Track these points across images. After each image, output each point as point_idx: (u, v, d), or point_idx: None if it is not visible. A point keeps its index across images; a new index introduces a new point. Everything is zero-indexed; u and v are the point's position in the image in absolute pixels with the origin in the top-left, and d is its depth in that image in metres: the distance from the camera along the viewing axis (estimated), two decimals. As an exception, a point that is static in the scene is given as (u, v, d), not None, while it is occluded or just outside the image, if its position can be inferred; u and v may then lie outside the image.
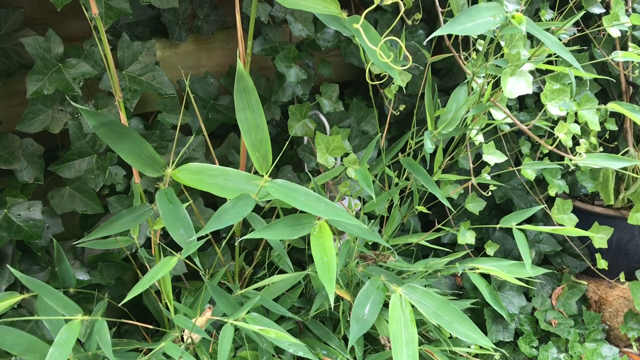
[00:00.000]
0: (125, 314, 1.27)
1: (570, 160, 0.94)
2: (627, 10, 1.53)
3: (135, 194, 1.05)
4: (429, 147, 0.93)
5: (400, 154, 1.16)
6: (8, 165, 1.11)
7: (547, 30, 1.10)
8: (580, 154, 0.91)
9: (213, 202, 1.34)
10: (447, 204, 1.05)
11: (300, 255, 1.48)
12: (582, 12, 1.16)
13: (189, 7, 1.28)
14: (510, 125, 1.26)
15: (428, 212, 1.26)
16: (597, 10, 1.49)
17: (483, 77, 1.05)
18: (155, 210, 0.90)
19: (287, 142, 1.46)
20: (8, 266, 0.89)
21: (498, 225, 1.13)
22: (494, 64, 0.90)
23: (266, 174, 0.81)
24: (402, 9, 0.77)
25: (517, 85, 0.92)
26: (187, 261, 0.99)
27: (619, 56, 0.95)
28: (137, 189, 1.03)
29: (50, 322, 0.93)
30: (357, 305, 0.96)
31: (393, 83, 1.17)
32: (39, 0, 1.15)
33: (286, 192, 0.79)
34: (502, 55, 0.97)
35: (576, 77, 1.42)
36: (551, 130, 1.04)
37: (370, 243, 1.30)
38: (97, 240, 1.06)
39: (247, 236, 0.78)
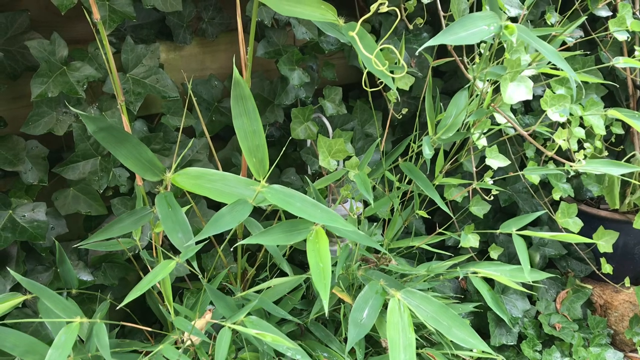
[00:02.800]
0: (129, 314, 1.28)
1: (571, 166, 0.94)
2: (634, 13, 1.52)
3: (137, 196, 1.06)
4: (427, 153, 0.93)
5: (402, 158, 1.17)
6: (13, 167, 1.12)
7: (548, 35, 1.10)
8: (579, 160, 0.91)
9: (216, 204, 1.34)
10: (446, 209, 1.05)
11: (303, 257, 1.48)
12: (586, 16, 1.15)
13: (193, 10, 1.28)
14: (515, 128, 1.26)
15: (429, 217, 1.26)
16: (604, 13, 1.48)
17: (487, 81, 1.05)
18: (155, 213, 0.91)
19: (289, 145, 1.47)
20: (8, 268, 0.90)
21: (498, 231, 1.13)
22: (494, 70, 0.90)
23: (263, 179, 0.82)
24: (400, 15, 0.77)
25: (517, 91, 0.92)
26: (186, 265, 1.00)
27: (620, 62, 0.95)
28: (139, 191, 1.04)
29: (52, 323, 0.95)
30: (356, 310, 0.96)
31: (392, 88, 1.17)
32: (44, 3, 1.16)
33: (282, 198, 0.79)
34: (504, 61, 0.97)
35: (582, 81, 1.41)
36: (552, 136, 1.04)
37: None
38: (100, 242, 1.07)
39: (244, 241, 0.79)
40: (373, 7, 0.70)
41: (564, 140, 0.97)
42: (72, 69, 1.12)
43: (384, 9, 0.71)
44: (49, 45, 1.10)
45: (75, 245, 1.07)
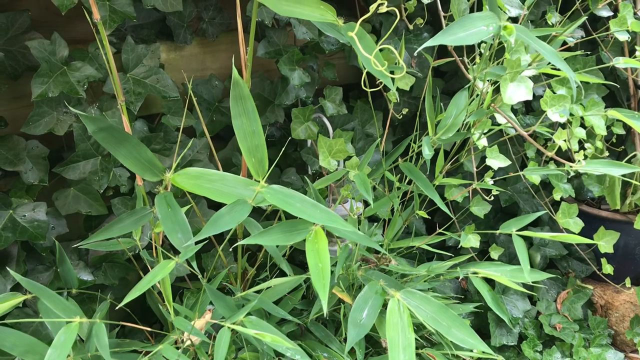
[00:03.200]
0: (129, 314, 1.28)
1: (571, 167, 0.93)
2: (635, 14, 1.51)
3: (137, 196, 1.06)
4: (426, 153, 0.92)
5: (402, 158, 1.16)
6: (13, 166, 1.12)
7: (549, 35, 1.10)
8: (579, 160, 0.91)
9: (217, 203, 1.34)
10: (445, 209, 1.05)
11: (304, 257, 1.47)
12: (586, 16, 1.15)
13: (194, 10, 1.28)
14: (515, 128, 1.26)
15: (429, 217, 1.25)
16: (605, 13, 1.48)
17: (488, 81, 1.05)
18: (155, 213, 0.91)
19: (289, 145, 1.47)
20: (8, 268, 0.90)
21: (498, 231, 1.13)
22: (494, 71, 0.90)
23: (262, 179, 0.82)
24: (400, 15, 0.77)
25: (517, 91, 0.92)
26: (185, 265, 1.00)
27: (619, 62, 0.94)
28: (139, 191, 1.04)
29: (52, 322, 0.95)
30: (355, 310, 0.96)
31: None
32: (45, 3, 1.17)
33: (282, 198, 0.79)
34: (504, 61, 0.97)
35: (583, 81, 1.41)
36: (551, 137, 1.04)
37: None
38: (100, 242, 1.07)
39: (243, 242, 0.79)
40: (372, 8, 0.70)
41: (564, 140, 0.97)
42: (72, 69, 1.12)
43: (383, 9, 0.71)
44: (49, 45, 1.10)
45: (75, 245, 1.07)
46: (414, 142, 1.16)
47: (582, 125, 1.31)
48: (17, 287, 1.14)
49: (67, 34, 1.15)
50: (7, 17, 1.09)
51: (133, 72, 1.19)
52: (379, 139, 1.18)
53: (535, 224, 1.73)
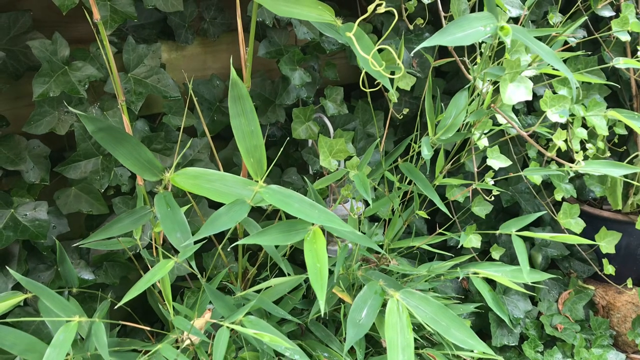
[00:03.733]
0: (131, 313, 1.28)
1: (570, 167, 0.93)
2: (637, 14, 1.51)
3: (138, 196, 1.06)
4: (425, 153, 0.92)
5: (402, 158, 1.16)
6: (15, 166, 1.13)
7: (549, 36, 1.10)
8: (578, 161, 0.90)
9: (217, 203, 1.34)
10: (445, 210, 1.05)
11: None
12: (587, 16, 1.15)
13: (195, 10, 1.29)
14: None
15: (428, 217, 1.25)
16: (607, 13, 1.47)
17: (488, 81, 1.05)
18: (155, 213, 0.91)
19: (290, 145, 1.47)
20: (8, 268, 0.90)
21: (498, 232, 1.13)
22: (493, 71, 0.90)
23: (261, 179, 0.82)
24: (400, 16, 0.77)
25: (517, 91, 0.91)
26: (185, 265, 1.00)
27: (619, 62, 0.94)
28: (140, 190, 1.04)
29: (52, 321, 0.95)
30: (354, 310, 0.96)
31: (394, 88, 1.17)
32: (46, 3, 1.17)
33: (280, 198, 0.79)
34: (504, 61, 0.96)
35: (585, 81, 1.40)
36: (550, 137, 1.04)
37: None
38: (100, 241, 1.08)
39: (241, 241, 0.79)
40: (370, 8, 0.70)
41: (564, 141, 0.96)
42: (73, 69, 1.13)
43: (382, 9, 0.71)
44: (50, 45, 1.11)
45: (75, 244, 1.07)
46: (415, 142, 1.16)
47: (584, 126, 1.31)
48: (18, 286, 1.14)
49: (68, 34, 1.15)
50: (9, 17, 1.10)
51: (134, 72, 1.19)
52: (378, 139, 1.18)
53: (537, 224, 1.73)
